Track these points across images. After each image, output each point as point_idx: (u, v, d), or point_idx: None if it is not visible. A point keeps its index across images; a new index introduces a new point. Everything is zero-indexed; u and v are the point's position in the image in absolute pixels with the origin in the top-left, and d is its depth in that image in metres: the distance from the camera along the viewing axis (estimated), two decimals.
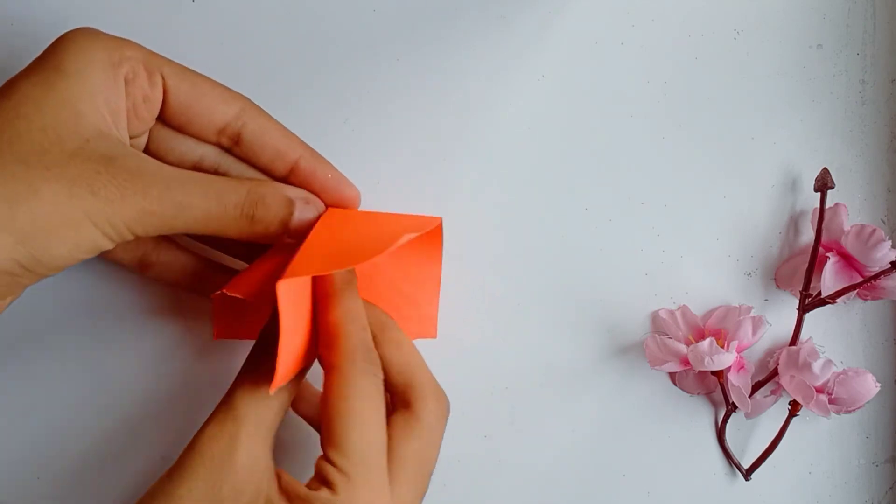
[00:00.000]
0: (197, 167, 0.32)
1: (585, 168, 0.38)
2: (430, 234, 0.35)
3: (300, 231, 0.31)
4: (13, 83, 0.27)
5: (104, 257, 0.33)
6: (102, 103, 0.28)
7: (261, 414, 0.28)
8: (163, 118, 0.31)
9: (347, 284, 0.31)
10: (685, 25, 0.39)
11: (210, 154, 0.32)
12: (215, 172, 0.32)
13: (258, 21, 0.36)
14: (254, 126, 0.31)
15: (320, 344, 0.30)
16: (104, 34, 0.29)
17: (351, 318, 0.30)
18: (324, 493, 0.27)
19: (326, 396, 0.28)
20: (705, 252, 0.39)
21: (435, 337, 0.37)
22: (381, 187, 0.37)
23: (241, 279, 0.32)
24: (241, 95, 0.32)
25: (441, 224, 0.35)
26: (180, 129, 0.31)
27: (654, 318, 0.39)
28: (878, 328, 0.40)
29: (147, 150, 0.32)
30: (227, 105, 0.31)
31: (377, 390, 0.29)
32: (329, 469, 0.28)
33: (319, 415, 0.32)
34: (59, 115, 0.27)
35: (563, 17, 0.38)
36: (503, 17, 0.38)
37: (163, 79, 0.29)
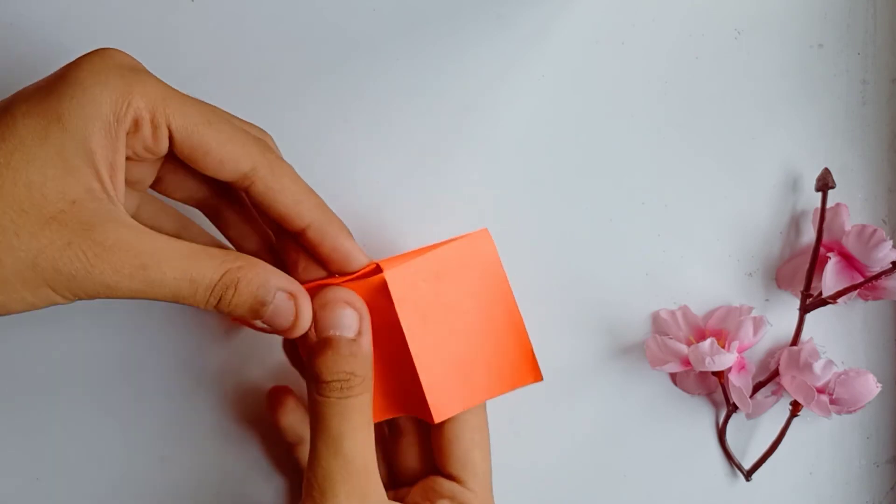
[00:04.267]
0: (201, 205, 0.32)
1: (585, 168, 0.38)
2: (484, 255, 0.32)
3: (273, 322, 0.29)
4: (13, 117, 0.26)
5: None
6: (100, 160, 0.27)
7: (370, 451, 0.30)
8: (172, 158, 0.30)
9: None
10: (685, 25, 0.39)
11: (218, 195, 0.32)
12: (216, 212, 0.32)
13: (258, 21, 0.36)
14: (262, 187, 0.30)
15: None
16: (116, 70, 0.27)
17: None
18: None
19: (444, 427, 0.32)
20: (706, 252, 0.39)
21: (542, 380, 0.33)
22: (381, 187, 0.37)
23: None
24: (258, 146, 0.30)
25: (490, 239, 0.33)
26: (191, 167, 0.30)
27: (655, 318, 0.39)
28: (880, 328, 0.40)
29: (154, 186, 0.31)
30: (236, 164, 0.29)
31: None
32: (457, 488, 0.32)
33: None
34: (48, 171, 0.26)
35: (563, 17, 0.38)
36: (503, 16, 0.38)
37: (169, 131, 0.28)
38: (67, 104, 0.26)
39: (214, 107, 0.30)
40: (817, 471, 0.40)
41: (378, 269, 0.31)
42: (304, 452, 0.34)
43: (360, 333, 0.30)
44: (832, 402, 0.36)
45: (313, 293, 0.30)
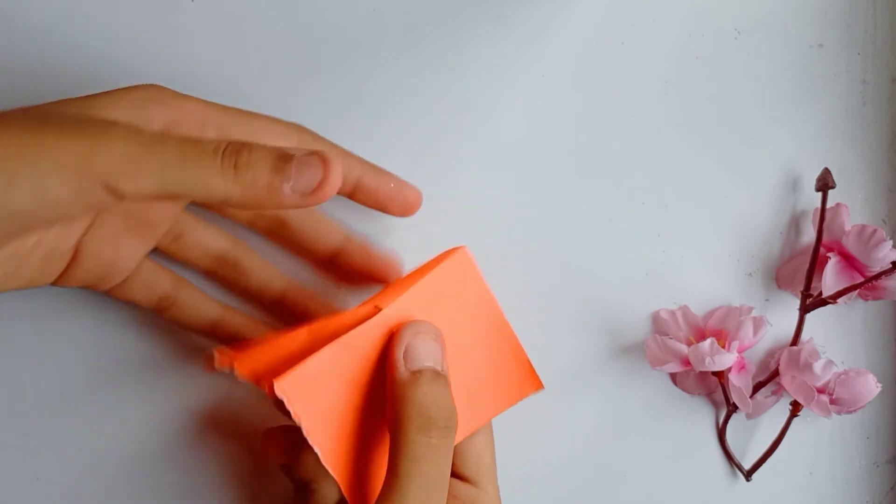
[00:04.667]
0: (254, 223, 0.34)
1: (585, 168, 0.38)
2: (465, 276, 0.31)
3: (300, 182, 0.26)
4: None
5: (121, 296, 0.33)
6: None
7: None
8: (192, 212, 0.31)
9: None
10: (685, 25, 0.39)
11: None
12: (274, 222, 0.34)
13: (258, 21, 0.36)
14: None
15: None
16: (171, 91, 0.29)
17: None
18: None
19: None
20: (706, 252, 0.39)
21: (542, 388, 0.33)
22: None
23: (253, 354, 0.31)
24: (294, 129, 0.32)
25: (470, 257, 0.31)
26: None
27: (655, 318, 0.39)
28: (880, 328, 0.40)
29: (171, 246, 0.33)
30: (280, 144, 0.30)
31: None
32: (472, 490, 0.32)
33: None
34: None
35: (564, 17, 0.38)
36: (503, 16, 0.38)
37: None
38: (102, 112, 0.28)
39: (240, 109, 0.31)
40: (817, 471, 0.40)
41: (377, 309, 0.30)
42: (321, 489, 0.32)
43: (444, 370, 0.29)
44: (832, 402, 0.36)
45: (302, 344, 0.30)
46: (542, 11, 0.38)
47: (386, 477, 0.27)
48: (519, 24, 0.38)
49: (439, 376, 0.28)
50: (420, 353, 0.28)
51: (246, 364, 0.30)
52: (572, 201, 0.38)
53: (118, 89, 0.29)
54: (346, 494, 0.29)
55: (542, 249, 0.38)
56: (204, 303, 0.34)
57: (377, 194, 0.33)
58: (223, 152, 0.25)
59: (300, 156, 0.26)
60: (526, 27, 0.38)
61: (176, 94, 0.30)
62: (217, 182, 0.25)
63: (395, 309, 0.30)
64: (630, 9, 0.39)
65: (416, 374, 0.28)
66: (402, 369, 0.28)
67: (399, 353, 0.28)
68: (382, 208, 0.34)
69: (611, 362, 0.39)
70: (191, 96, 0.30)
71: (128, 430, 0.36)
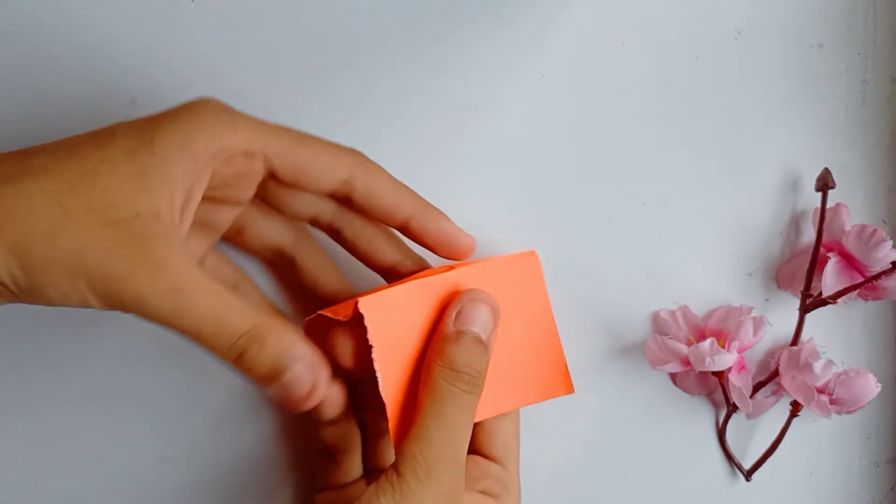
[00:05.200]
0: (314, 222, 0.34)
1: (585, 168, 0.38)
2: (529, 274, 0.35)
3: (288, 389, 0.29)
4: (113, 135, 0.28)
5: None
6: (177, 187, 0.28)
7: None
8: (273, 180, 0.31)
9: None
10: (685, 25, 0.39)
11: (326, 210, 0.33)
12: (330, 228, 0.34)
13: (258, 21, 0.36)
14: (362, 189, 0.32)
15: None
16: (214, 112, 0.29)
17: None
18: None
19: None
20: (706, 252, 0.39)
21: (573, 391, 0.35)
22: None
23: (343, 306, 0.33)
24: (351, 154, 0.32)
25: (538, 261, 0.35)
26: (293, 187, 0.32)
27: (655, 318, 0.39)
28: (880, 328, 0.40)
29: (236, 237, 0.34)
30: (333, 172, 0.31)
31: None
32: (499, 469, 0.32)
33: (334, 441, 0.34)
34: (126, 185, 0.27)
35: (563, 17, 0.38)
36: (503, 16, 0.38)
37: (266, 158, 0.30)
38: (161, 132, 0.28)
39: (300, 131, 0.31)
40: (817, 471, 0.40)
41: (451, 268, 0.33)
42: (345, 463, 0.34)
43: (489, 340, 0.32)
44: (832, 402, 0.36)
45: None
46: (542, 11, 0.38)
47: (414, 414, 0.30)
48: (519, 24, 0.38)
49: (480, 343, 0.31)
50: (471, 317, 0.31)
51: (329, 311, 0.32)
52: (572, 201, 0.38)
53: (173, 110, 0.29)
54: (391, 430, 0.31)
55: (541, 249, 0.38)
56: (260, 300, 0.35)
57: (423, 238, 0.33)
58: (235, 343, 0.28)
59: (295, 371, 0.29)
60: (526, 27, 0.38)
61: (228, 116, 0.29)
62: (217, 353, 0.28)
63: (466, 273, 0.33)
64: (630, 9, 0.39)
65: (460, 333, 0.31)
66: (450, 326, 0.31)
67: (453, 312, 0.31)
68: (431, 249, 0.34)
69: (611, 362, 0.39)
70: (244, 117, 0.30)
71: (128, 430, 0.36)
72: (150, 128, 0.28)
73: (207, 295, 0.28)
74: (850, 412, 0.36)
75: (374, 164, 0.32)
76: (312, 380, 0.29)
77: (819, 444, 0.40)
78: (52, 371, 0.36)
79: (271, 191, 0.32)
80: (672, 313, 0.38)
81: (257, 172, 0.30)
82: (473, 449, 0.34)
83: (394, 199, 0.32)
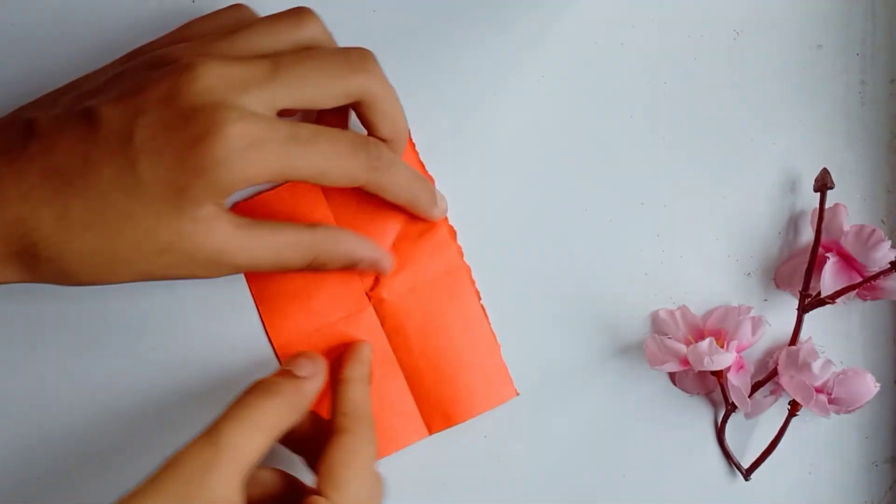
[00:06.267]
0: None
1: (585, 168, 0.39)
2: (460, 289, 0.37)
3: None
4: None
5: None
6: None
7: (242, 445, 0.29)
8: None
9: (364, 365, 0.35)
10: (685, 25, 0.39)
11: None
12: None
13: None
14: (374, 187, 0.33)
15: (336, 410, 0.33)
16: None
17: (363, 388, 0.34)
18: None
19: (335, 452, 0.31)
20: (705, 252, 0.39)
21: (518, 394, 0.37)
22: None
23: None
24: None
25: (466, 273, 0.37)
26: None
27: (654, 318, 0.39)
28: (878, 328, 0.40)
29: None
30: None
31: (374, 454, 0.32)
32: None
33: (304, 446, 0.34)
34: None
35: (563, 18, 0.38)
36: (503, 17, 0.38)
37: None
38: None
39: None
40: (816, 470, 0.40)
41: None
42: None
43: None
44: (831, 401, 0.36)
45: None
46: (542, 12, 0.38)
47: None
48: (519, 25, 0.38)
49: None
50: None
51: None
52: (572, 201, 0.38)
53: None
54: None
55: (541, 249, 0.38)
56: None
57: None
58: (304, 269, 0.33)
59: (361, 266, 0.35)
60: (526, 28, 0.38)
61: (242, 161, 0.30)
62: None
63: (398, 293, 0.37)
64: (629, 10, 0.39)
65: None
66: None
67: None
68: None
69: (610, 362, 0.39)
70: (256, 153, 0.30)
71: (129, 430, 0.36)
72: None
73: (264, 255, 0.31)
74: (849, 412, 0.37)
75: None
76: (378, 269, 0.35)
77: (818, 444, 0.40)
78: (54, 370, 0.36)
79: None
80: (671, 313, 0.38)
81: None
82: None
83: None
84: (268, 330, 0.36)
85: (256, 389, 0.30)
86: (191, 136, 0.28)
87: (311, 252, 0.32)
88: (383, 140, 0.33)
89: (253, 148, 0.28)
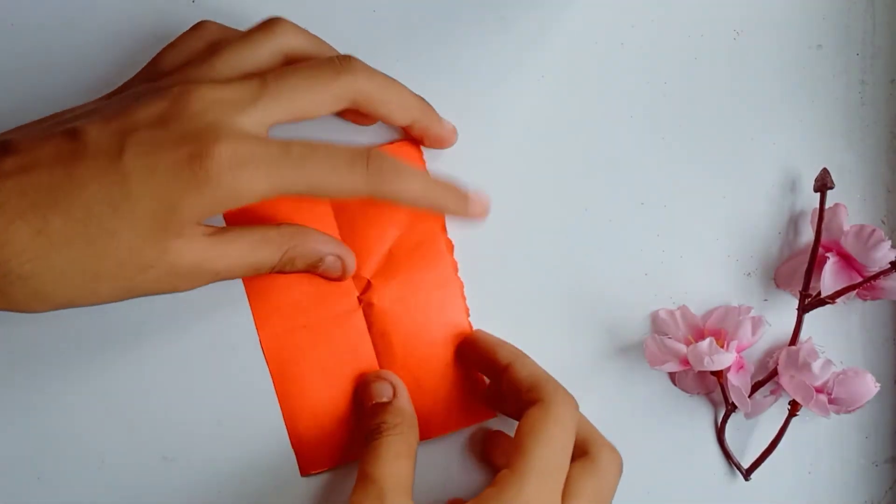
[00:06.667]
0: None
1: (585, 168, 0.39)
2: (451, 306, 0.37)
3: (325, 275, 0.36)
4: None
5: None
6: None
7: (396, 474, 0.31)
8: None
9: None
10: (685, 25, 0.39)
11: None
12: None
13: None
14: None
15: (520, 389, 0.33)
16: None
17: (528, 360, 0.35)
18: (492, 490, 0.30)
19: (525, 422, 0.32)
20: (705, 252, 0.39)
21: (495, 415, 0.38)
22: None
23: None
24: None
25: (459, 291, 0.37)
26: None
27: (654, 318, 0.39)
28: (878, 328, 0.40)
29: None
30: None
31: (573, 425, 0.32)
32: (505, 472, 0.31)
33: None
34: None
35: (563, 17, 0.38)
36: (503, 17, 0.38)
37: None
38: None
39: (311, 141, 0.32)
40: (816, 470, 0.40)
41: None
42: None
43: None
44: (831, 401, 0.36)
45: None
46: (542, 12, 0.38)
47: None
48: (519, 25, 0.38)
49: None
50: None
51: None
52: (572, 201, 0.39)
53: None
54: None
55: (541, 249, 0.38)
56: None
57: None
58: (272, 270, 0.33)
59: (327, 263, 0.35)
60: (526, 27, 0.38)
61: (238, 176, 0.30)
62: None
63: (392, 313, 0.37)
64: (629, 10, 0.39)
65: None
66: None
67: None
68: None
69: (610, 362, 0.39)
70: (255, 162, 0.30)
71: (130, 430, 0.36)
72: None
73: (237, 257, 0.32)
74: (849, 412, 0.37)
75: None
76: (342, 264, 0.35)
77: (818, 444, 0.40)
78: (54, 370, 0.36)
79: None
80: (671, 313, 0.38)
81: None
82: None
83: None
84: (255, 320, 0.36)
85: (369, 439, 0.33)
86: (184, 155, 0.28)
87: (279, 249, 0.32)
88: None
89: (243, 166, 0.29)
